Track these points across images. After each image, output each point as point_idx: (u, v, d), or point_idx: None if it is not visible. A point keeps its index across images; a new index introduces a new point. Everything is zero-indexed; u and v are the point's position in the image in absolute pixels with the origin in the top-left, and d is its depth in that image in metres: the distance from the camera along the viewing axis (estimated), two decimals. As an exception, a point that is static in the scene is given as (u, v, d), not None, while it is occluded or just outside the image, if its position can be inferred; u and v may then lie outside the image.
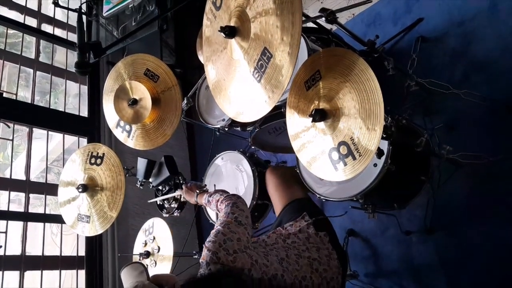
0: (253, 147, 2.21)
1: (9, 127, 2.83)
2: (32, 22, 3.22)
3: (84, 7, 2.04)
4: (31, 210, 2.77)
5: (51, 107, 3.09)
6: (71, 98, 3.40)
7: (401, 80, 1.96)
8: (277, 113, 1.76)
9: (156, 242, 2.15)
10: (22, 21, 3.14)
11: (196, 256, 2.44)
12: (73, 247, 2.89)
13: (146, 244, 2.21)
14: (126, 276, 1.13)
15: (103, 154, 2.07)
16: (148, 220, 2.26)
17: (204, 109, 2.25)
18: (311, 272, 1.26)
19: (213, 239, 1.17)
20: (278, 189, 1.71)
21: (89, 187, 2.03)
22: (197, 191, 1.75)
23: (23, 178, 2.82)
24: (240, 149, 2.15)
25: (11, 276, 2.52)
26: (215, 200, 1.51)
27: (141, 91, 1.93)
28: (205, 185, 1.96)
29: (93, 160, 2.08)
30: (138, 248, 2.24)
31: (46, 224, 2.77)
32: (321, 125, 1.32)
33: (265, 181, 1.84)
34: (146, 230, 2.25)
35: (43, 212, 2.81)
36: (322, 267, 1.30)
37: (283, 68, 1.23)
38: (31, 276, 2.59)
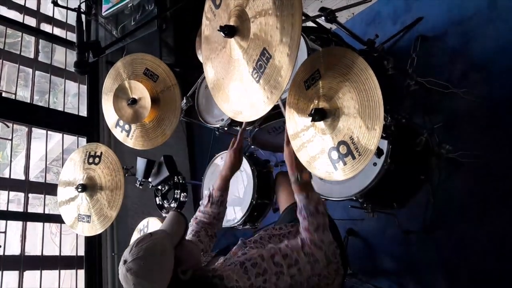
0: (252, 146, 2.21)
1: (8, 126, 2.83)
2: (31, 21, 3.22)
3: (83, 6, 2.04)
4: (30, 210, 2.77)
5: (50, 107, 3.09)
6: (70, 97, 3.40)
7: (400, 79, 1.96)
8: (277, 113, 1.76)
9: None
10: (21, 21, 3.13)
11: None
12: (73, 247, 2.89)
13: (140, 243, 2.20)
14: (171, 220, 1.17)
15: (101, 153, 2.07)
16: (143, 220, 2.26)
17: (203, 108, 2.25)
18: None
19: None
20: (286, 188, 1.75)
21: (89, 187, 2.03)
22: None
23: (22, 178, 2.81)
24: (240, 149, 2.15)
25: (11, 276, 2.52)
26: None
27: (140, 91, 1.92)
28: None
29: (91, 160, 2.08)
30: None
31: (45, 224, 2.77)
32: (320, 124, 1.32)
33: (275, 180, 1.94)
34: (140, 229, 2.26)
35: (42, 212, 2.81)
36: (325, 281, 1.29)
37: (282, 69, 1.23)
38: (31, 276, 2.59)
